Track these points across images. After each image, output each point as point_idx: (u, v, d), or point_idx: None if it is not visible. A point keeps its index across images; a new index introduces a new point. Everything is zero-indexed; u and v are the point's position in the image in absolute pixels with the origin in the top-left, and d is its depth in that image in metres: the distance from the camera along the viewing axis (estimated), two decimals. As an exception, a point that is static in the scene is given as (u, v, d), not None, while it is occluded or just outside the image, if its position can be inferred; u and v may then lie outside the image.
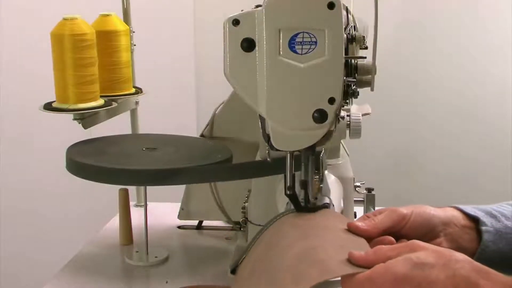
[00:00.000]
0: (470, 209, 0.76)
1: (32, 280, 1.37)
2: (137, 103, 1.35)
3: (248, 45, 0.66)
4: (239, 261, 0.73)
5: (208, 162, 0.99)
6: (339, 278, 0.58)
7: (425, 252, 0.57)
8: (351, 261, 0.58)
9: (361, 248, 0.62)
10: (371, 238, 0.68)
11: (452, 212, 0.76)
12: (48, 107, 1.11)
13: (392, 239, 0.68)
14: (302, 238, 0.64)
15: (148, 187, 1.12)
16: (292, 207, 0.72)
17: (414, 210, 0.73)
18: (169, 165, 0.99)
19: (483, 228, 0.74)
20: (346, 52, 0.70)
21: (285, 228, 0.69)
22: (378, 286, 0.55)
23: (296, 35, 0.65)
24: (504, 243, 0.74)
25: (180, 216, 1.25)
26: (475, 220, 0.75)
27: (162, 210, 1.33)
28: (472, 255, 0.74)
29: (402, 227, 0.71)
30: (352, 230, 0.67)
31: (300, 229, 0.67)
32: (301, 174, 0.71)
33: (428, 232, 0.73)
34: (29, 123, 2.07)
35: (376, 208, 1.01)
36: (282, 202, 0.79)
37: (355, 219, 0.75)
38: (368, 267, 0.57)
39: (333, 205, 0.75)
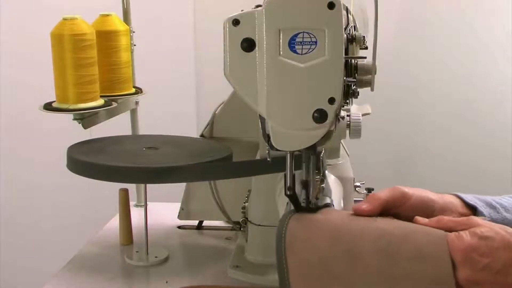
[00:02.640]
0: (470, 198, 0.77)
1: (32, 280, 1.37)
2: (137, 103, 1.35)
3: (248, 45, 0.66)
4: None
5: (207, 160, 0.99)
6: None
7: (485, 228, 0.64)
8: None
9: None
10: (375, 215, 0.70)
11: (451, 199, 0.77)
12: (48, 107, 1.11)
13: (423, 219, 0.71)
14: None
15: (148, 187, 1.12)
16: (292, 207, 0.72)
17: (416, 192, 0.74)
18: (169, 163, 0.99)
19: (480, 218, 0.75)
20: (346, 52, 0.70)
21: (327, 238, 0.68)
22: (453, 250, 0.63)
23: (296, 35, 0.65)
24: None
25: (180, 216, 1.25)
26: (473, 209, 0.76)
27: (162, 210, 1.33)
28: None
29: (402, 205, 0.72)
30: (358, 214, 0.69)
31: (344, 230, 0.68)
32: (302, 174, 0.71)
33: (425, 215, 0.73)
34: (29, 123, 2.07)
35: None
36: (282, 202, 0.79)
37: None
38: None
39: (333, 206, 0.75)
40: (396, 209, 0.72)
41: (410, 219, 0.70)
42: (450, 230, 0.65)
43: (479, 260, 0.61)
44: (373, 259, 0.64)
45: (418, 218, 0.68)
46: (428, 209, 0.74)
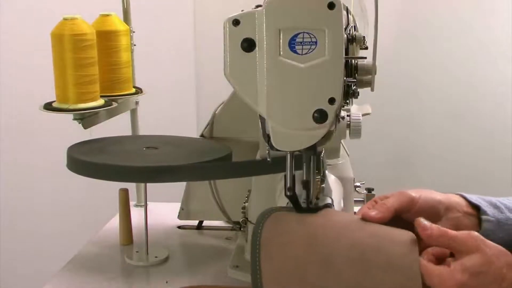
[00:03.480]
0: (474, 198, 0.78)
1: (32, 280, 1.37)
2: (137, 103, 1.35)
3: (248, 45, 0.66)
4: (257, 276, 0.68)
5: (207, 159, 0.99)
6: None
7: (480, 259, 0.64)
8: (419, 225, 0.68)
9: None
10: (385, 223, 0.71)
11: (455, 198, 0.78)
12: (48, 107, 1.11)
13: None
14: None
15: (148, 187, 1.12)
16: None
17: (422, 195, 0.75)
18: (168, 162, 0.99)
19: (483, 217, 0.76)
20: (346, 52, 0.70)
21: (318, 230, 0.69)
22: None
23: (296, 35, 0.65)
24: (504, 233, 0.76)
25: (180, 216, 1.25)
26: (477, 209, 0.77)
27: (162, 210, 1.33)
28: None
29: (411, 209, 0.74)
30: (367, 220, 0.70)
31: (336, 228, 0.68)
32: (303, 175, 0.71)
33: (431, 216, 0.74)
34: (29, 123, 2.07)
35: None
36: (282, 202, 0.79)
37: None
38: (428, 243, 0.67)
39: (334, 206, 0.75)
40: (404, 214, 0.73)
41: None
42: (449, 248, 0.66)
43: None
44: (346, 267, 0.65)
45: (421, 224, 0.68)
46: (434, 210, 0.75)
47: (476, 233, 0.66)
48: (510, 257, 0.64)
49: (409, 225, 0.72)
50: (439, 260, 0.67)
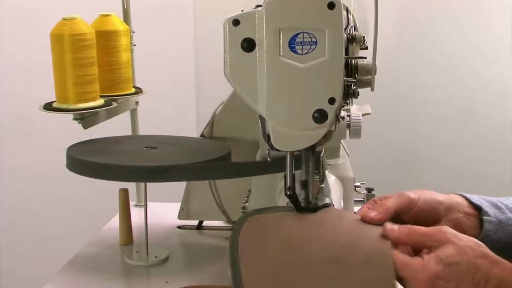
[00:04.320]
0: (476, 198, 0.78)
1: (32, 280, 1.37)
2: (137, 103, 1.35)
3: (248, 45, 0.66)
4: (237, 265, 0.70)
5: (206, 159, 0.99)
6: None
7: (453, 250, 0.64)
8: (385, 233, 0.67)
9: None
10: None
11: (456, 199, 0.78)
12: (48, 107, 1.11)
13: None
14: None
15: (148, 187, 1.12)
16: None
17: (421, 196, 0.75)
18: (167, 162, 0.99)
19: (485, 218, 0.76)
20: (346, 52, 0.70)
21: (302, 227, 0.69)
22: (417, 281, 0.63)
23: (296, 35, 0.65)
24: (505, 234, 0.76)
25: (180, 216, 1.25)
26: (478, 209, 0.77)
27: (162, 210, 1.33)
28: None
29: (410, 210, 0.74)
30: (367, 221, 0.70)
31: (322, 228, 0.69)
32: (302, 175, 0.71)
33: (431, 216, 0.75)
34: (29, 123, 2.07)
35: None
36: (282, 202, 0.79)
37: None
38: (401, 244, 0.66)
39: (333, 205, 0.75)
40: (403, 215, 0.73)
41: (417, 223, 0.70)
42: (420, 245, 0.66)
43: (445, 286, 0.62)
44: (323, 268, 0.65)
45: (388, 228, 0.68)
46: (434, 211, 0.75)
47: (446, 227, 0.66)
48: (483, 248, 0.64)
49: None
50: (415, 253, 0.67)
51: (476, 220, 0.77)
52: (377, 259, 0.65)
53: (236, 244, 0.69)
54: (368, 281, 0.64)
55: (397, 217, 0.72)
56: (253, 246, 0.69)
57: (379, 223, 0.70)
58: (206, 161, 0.99)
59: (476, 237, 0.75)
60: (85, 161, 1.00)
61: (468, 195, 0.79)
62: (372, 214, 0.71)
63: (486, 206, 0.77)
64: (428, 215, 0.74)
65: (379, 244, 0.66)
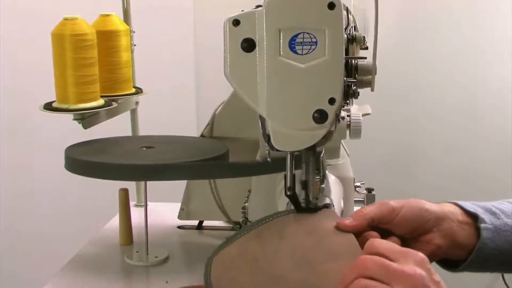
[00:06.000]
0: (469, 206, 0.76)
1: (32, 280, 1.37)
2: (137, 103, 1.35)
3: (248, 45, 0.66)
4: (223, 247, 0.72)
5: (204, 158, 0.99)
6: None
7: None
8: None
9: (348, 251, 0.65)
10: (360, 231, 0.69)
11: (449, 207, 0.76)
12: (48, 107, 1.11)
13: (377, 234, 0.69)
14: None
15: (148, 187, 1.12)
16: (292, 207, 0.72)
17: (406, 204, 0.72)
18: (166, 161, 0.99)
19: (482, 225, 0.73)
20: (347, 53, 0.70)
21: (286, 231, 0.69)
22: None
23: (296, 35, 0.65)
24: (502, 241, 0.73)
25: (180, 216, 1.25)
26: (473, 217, 0.75)
27: (162, 210, 1.33)
28: (469, 251, 0.74)
29: (392, 220, 0.71)
30: (341, 228, 0.68)
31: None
32: (302, 175, 0.71)
33: (419, 226, 0.72)
34: (29, 123, 2.07)
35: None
36: (282, 202, 0.79)
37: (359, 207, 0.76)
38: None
39: (333, 206, 0.75)
40: (385, 225, 0.72)
41: (401, 233, 0.71)
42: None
43: None
44: (293, 273, 0.65)
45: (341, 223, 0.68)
46: (421, 219, 0.73)
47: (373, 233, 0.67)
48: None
49: (389, 235, 0.71)
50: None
51: (471, 229, 0.74)
52: (343, 250, 0.65)
53: (209, 280, 0.71)
54: (338, 273, 0.63)
55: (376, 225, 0.71)
56: (224, 278, 0.70)
57: (353, 230, 0.68)
58: (203, 160, 0.99)
59: (471, 247, 0.73)
60: (83, 161, 1.00)
61: (461, 203, 0.76)
62: (347, 221, 0.69)
63: (481, 213, 0.74)
64: (413, 224, 0.72)
65: (342, 236, 0.66)
